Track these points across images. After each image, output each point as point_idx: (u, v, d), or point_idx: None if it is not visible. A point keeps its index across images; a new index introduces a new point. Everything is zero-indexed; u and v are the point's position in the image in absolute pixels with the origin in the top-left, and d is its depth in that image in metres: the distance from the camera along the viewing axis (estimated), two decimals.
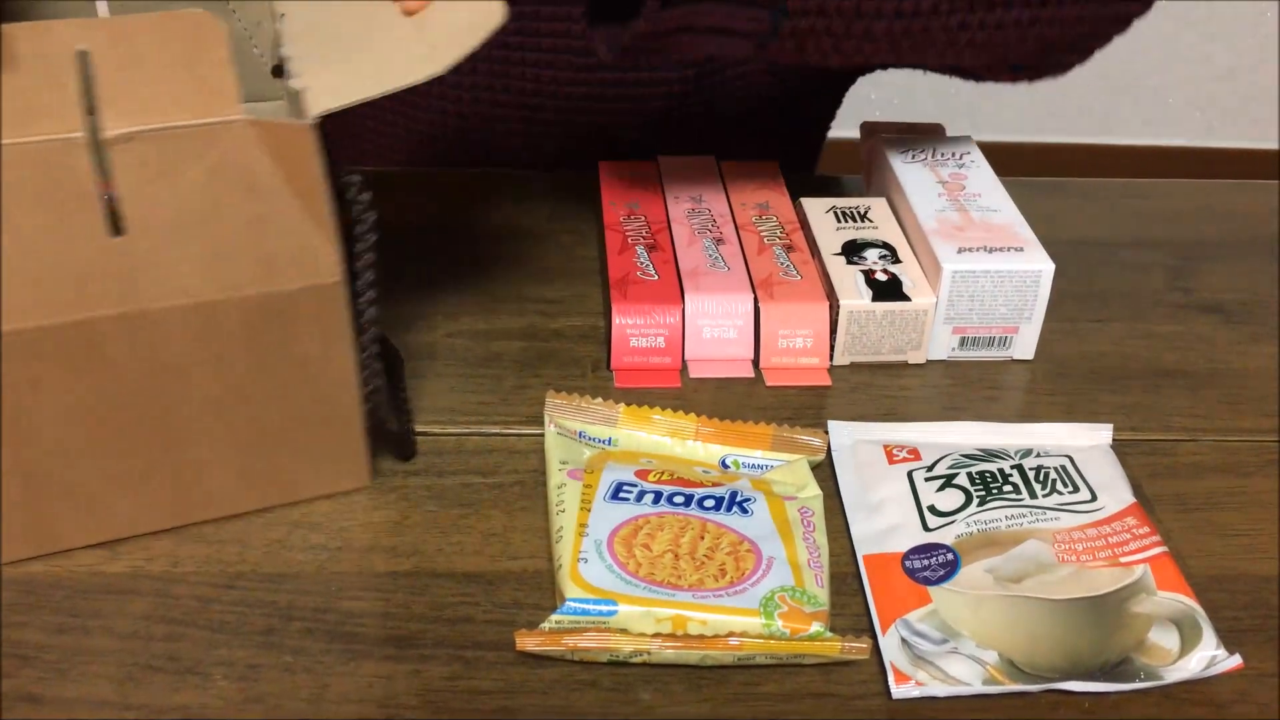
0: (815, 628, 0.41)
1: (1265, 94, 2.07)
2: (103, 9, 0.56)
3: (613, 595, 0.41)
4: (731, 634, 0.41)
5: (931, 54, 0.57)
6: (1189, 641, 0.42)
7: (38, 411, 0.41)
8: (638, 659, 0.41)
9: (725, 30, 0.52)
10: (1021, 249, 0.57)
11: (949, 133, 0.68)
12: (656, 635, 0.41)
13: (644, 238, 0.61)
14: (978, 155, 0.65)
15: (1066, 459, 0.50)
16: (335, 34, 0.45)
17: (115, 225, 0.40)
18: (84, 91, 0.39)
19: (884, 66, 0.61)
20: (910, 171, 0.63)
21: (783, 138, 0.82)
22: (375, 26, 0.45)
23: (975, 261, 0.56)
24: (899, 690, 0.41)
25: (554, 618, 0.41)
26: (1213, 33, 2.01)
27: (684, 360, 0.57)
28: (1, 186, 0.38)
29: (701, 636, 0.41)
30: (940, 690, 0.41)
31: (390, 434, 0.49)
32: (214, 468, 0.45)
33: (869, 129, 0.69)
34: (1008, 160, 0.81)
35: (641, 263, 0.59)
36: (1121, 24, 0.59)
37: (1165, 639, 0.42)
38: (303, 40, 0.45)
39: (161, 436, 0.44)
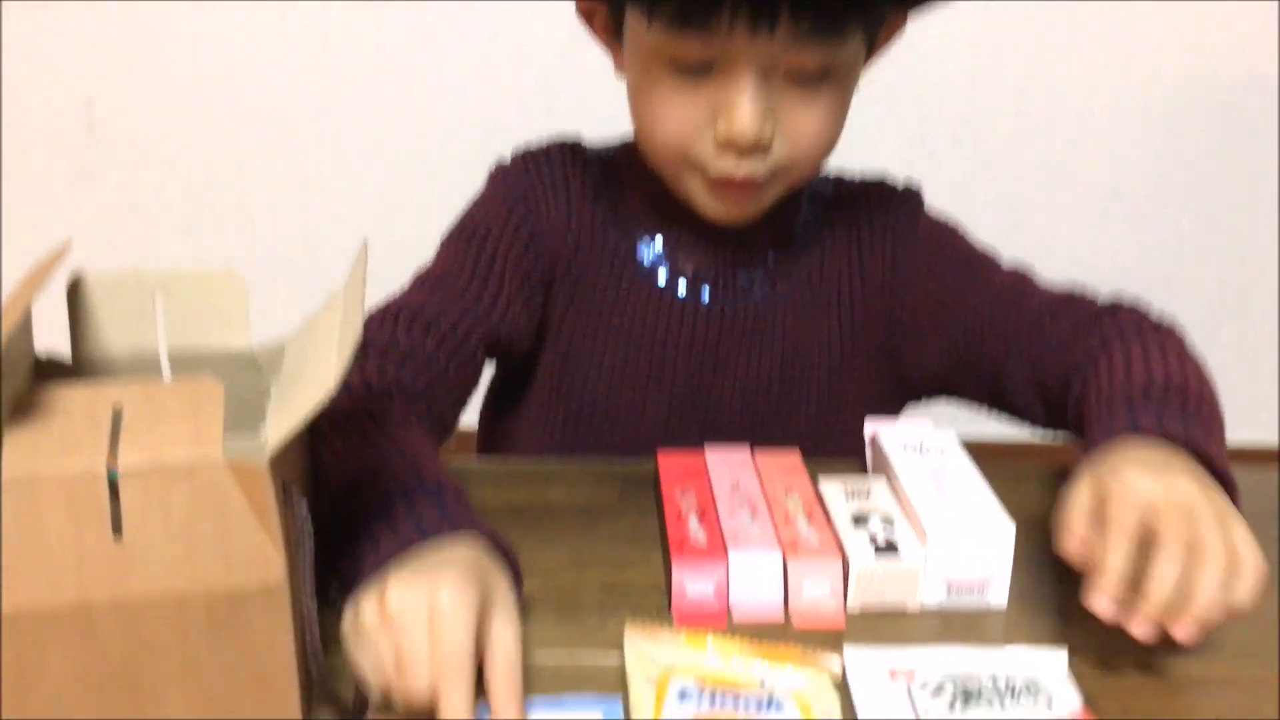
0: None
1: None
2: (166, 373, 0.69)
3: None
4: None
5: None
6: None
7: (37, 681, 0.52)
8: None
9: None
10: (989, 516, 0.73)
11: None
12: None
13: (695, 510, 0.78)
14: (956, 446, 0.82)
15: (1030, 676, 0.64)
16: (293, 378, 0.60)
17: (117, 527, 0.52)
18: (112, 435, 0.53)
19: None
20: (903, 458, 0.80)
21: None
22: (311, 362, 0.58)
23: (952, 526, 0.72)
24: None
25: None
26: None
27: (729, 606, 0.72)
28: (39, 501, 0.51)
29: None
30: None
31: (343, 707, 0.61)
32: None
33: (872, 431, 0.87)
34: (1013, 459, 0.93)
35: (693, 529, 0.75)
36: None
37: None
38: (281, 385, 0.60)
39: (135, 702, 0.54)
